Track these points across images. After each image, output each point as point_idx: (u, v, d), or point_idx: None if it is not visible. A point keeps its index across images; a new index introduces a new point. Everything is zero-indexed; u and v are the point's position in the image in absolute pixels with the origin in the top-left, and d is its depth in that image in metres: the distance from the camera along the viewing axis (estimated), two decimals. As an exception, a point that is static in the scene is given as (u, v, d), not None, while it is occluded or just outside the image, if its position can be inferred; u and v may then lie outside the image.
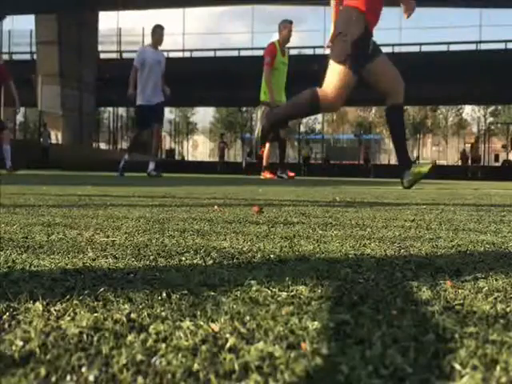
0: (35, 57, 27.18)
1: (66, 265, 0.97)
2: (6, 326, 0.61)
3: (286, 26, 8.36)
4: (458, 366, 0.50)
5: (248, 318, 0.64)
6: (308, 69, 27.05)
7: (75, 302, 0.71)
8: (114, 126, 33.83)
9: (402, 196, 3.80)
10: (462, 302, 0.74)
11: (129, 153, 9.00)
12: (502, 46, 27.12)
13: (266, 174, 10.37)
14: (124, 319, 0.63)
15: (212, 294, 0.76)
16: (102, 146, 34.09)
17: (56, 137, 25.12)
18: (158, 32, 8.61)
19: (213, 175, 15.74)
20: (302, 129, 46.76)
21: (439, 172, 12.47)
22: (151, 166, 8.73)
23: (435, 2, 25.87)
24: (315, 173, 26.48)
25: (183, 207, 2.35)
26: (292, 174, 9.38)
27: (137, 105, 8.73)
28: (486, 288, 0.84)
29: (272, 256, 1.10)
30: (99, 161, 22.78)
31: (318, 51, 29.63)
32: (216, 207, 2.28)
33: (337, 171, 25.01)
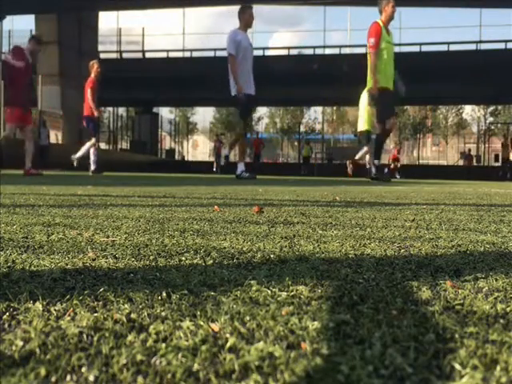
0: (35, 57, 27.19)
1: (66, 265, 0.97)
2: (6, 326, 0.61)
3: (390, 1, 7.68)
4: (457, 366, 0.50)
5: (248, 317, 0.64)
6: (308, 69, 27.09)
7: (75, 301, 0.71)
8: (114, 126, 33.82)
9: (402, 196, 3.80)
10: (462, 301, 0.74)
11: (242, 159, 8.29)
12: (502, 46, 27.13)
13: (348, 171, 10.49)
14: (124, 319, 0.63)
15: (212, 293, 0.76)
16: (102, 146, 34.09)
17: (56, 137, 25.11)
18: (247, 12, 7.94)
19: (213, 175, 15.74)
20: (302, 129, 46.75)
21: (439, 172, 12.48)
22: (240, 167, 8.20)
23: (435, 2, 25.87)
24: (319, 172, 26.49)
25: (183, 207, 2.35)
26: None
27: (233, 95, 7.98)
28: (486, 288, 0.84)
29: (272, 256, 1.10)
30: (99, 161, 22.76)
31: (318, 51, 29.65)
32: (216, 207, 2.28)
33: (344, 171, 24.94)
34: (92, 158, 10.65)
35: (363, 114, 10.99)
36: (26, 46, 8.50)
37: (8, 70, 8.06)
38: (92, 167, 10.65)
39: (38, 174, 8.18)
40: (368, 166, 10.37)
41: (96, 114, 10.64)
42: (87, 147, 10.62)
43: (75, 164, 10.50)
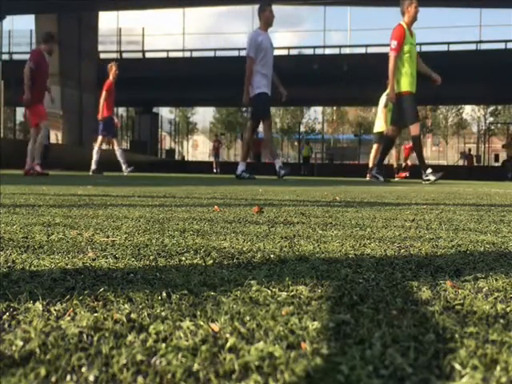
0: (35, 57, 27.20)
1: (66, 265, 0.97)
2: (6, 326, 0.61)
3: (412, 2, 7.50)
4: (458, 366, 0.50)
5: (248, 317, 0.64)
6: (308, 69, 27.08)
7: (75, 301, 0.71)
8: (113, 126, 33.81)
9: (402, 196, 3.80)
10: (462, 301, 0.74)
11: (242, 160, 8.14)
12: (502, 46, 27.13)
13: (401, 175, 10.50)
14: (124, 319, 0.63)
15: (212, 293, 0.76)
16: (102, 146, 34.10)
17: (56, 137, 25.10)
18: (267, 10, 7.76)
19: (213, 175, 15.74)
20: (302, 129, 46.76)
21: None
22: (279, 163, 8.07)
23: (435, 2, 25.86)
24: (319, 173, 26.47)
25: (183, 207, 2.35)
26: (403, 174, 9.02)
27: (255, 94, 7.82)
28: (486, 288, 0.84)
29: (272, 256, 1.10)
30: (99, 161, 22.76)
31: (318, 51, 29.64)
32: (216, 207, 2.28)
33: (344, 171, 24.96)
34: (94, 157, 10.68)
35: (381, 116, 11.06)
36: (41, 46, 8.51)
37: (31, 72, 8.19)
38: (93, 167, 10.69)
39: (43, 173, 8.26)
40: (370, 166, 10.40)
41: (100, 117, 10.67)
42: (120, 152, 10.68)
43: (127, 173, 10.58)
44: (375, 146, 10.73)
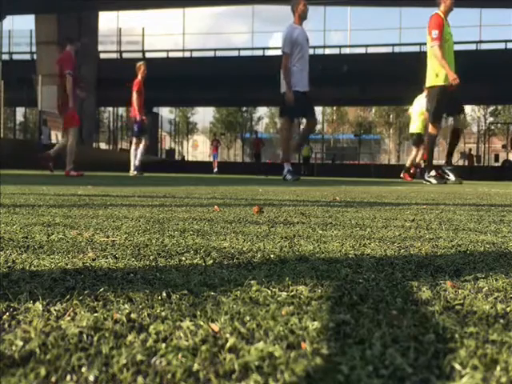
0: (35, 57, 27.21)
1: (66, 265, 0.97)
2: (6, 325, 0.61)
3: None
4: (457, 366, 0.50)
5: (248, 317, 0.64)
6: (308, 69, 27.05)
7: (75, 302, 0.71)
8: (114, 126, 33.85)
9: (402, 196, 3.80)
10: (462, 301, 0.74)
11: (285, 159, 7.84)
12: (502, 46, 27.12)
13: (407, 176, 10.52)
14: (124, 319, 0.63)
15: (212, 293, 0.76)
16: (102, 145, 34.11)
17: (56, 137, 25.10)
18: (300, 2, 7.50)
19: (213, 175, 15.74)
20: (302, 129, 46.67)
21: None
22: (288, 167, 7.74)
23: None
24: (319, 173, 26.44)
25: (183, 207, 2.35)
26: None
27: (282, 92, 7.55)
28: (486, 288, 0.84)
29: (272, 256, 1.10)
30: (99, 161, 22.79)
31: (318, 51, 29.62)
32: (216, 207, 2.28)
33: (345, 171, 24.91)
34: (137, 157, 10.71)
35: (416, 119, 11.12)
36: (69, 48, 8.57)
37: (72, 77, 8.38)
38: (133, 168, 10.72)
39: (79, 175, 8.33)
40: (419, 168, 10.37)
41: (139, 116, 10.63)
42: (141, 151, 10.67)
43: (138, 175, 10.56)
44: (414, 149, 10.81)
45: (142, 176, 9.87)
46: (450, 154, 7.89)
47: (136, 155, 10.71)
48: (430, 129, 7.57)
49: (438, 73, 7.31)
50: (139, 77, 10.60)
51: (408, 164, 11.48)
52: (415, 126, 11.19)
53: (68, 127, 8.54)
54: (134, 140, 10.84)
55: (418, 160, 11.30)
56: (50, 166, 8.57)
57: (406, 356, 0.52)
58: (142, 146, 10.71)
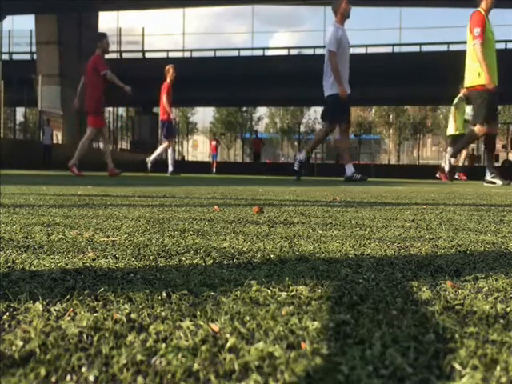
0: (35, 57, 27.23)
1: (66, 265, 0.97)
2: (6, 325, 0.61)
3: None
4: (458, 366, 0.50)
5: (248, 317, 0.64)
6: (308, 69, 27.07)
7: (75, 302, 0.71)
8: (114, 126, 33.83)
9: (402, 196, 3.80)
10: (462, 301, 0.74)
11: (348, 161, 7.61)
12: (502, 46, 27.13)
13: (462, 176, 10.43)
14: (124, 319, 0.63)
15: (212, 293, 0.76)
16: (102, 145, 34.13)
17: (56, 137, 25.11)
18: (343, 1, 7.27)
19: (213, 175, 15.73)
20: (302, 129, 46.79)
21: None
22: (349, 169, 7.57)
23: (435, 1, 25.87)
24: (319, 173, 26.41)
25: (183, 207, 2.35)
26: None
27: (329, 95, 7.35)
28: (486, 288, 0.84)
29: (272, 256, 1.10)
30: (99, 161, 22.77)
31: (318, 51, 29.63)
32: (216, 207, 2.28)
33: (344, 171, 24.82)
34: (169, 160, 10.92)
35: (453, 119, 11.16)
36: (97, 51, 8.74)
37: (100, 79, 8.60)
38: (170, 169, 10.92)
39: (118, 173, 8.81)
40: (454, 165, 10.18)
41: (169, 118, 10.82)
42: (161, 150, 10.89)
43: (149, 166, 10.72)
44: (449, 149, 10.82)
45: (177, 176, 10.08)
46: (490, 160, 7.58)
47: (173, 156, 10.91)
48: (478, 130, 7.17)
49: (480, 72, 7.03)
50: (168, 80, 10.78)
51: (461, 163, 11.47)
52: (451, 127, 11.21)
53: (90, 126, 8.85)
54: (166, 141, 10.96)
55: (461, 161, 11.34)
56: (119, 172, 8.98)
57: (405, 356, 0.52)
58: (164, 146, 10.83)
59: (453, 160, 8.33)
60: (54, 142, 23.30)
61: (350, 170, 7.58)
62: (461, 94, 10.61)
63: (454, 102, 11.03)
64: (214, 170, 26.86)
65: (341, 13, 7.33)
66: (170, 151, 11.04)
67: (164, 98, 10.74)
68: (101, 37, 8.90)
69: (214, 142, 28.94)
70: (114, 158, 10.63)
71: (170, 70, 10.84)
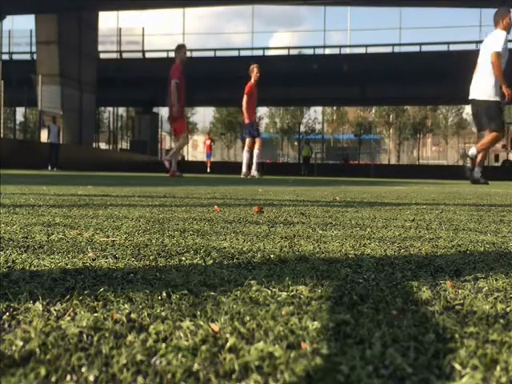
0: (35, 57, 27.24)
1: (66, 265, 0.97)
2: (6, 325, 0.61)
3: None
4: (458, 366, 0.50)
5: (248, 317, 0.64)
6: (308, 69, 27.09)
7: (75, 302, 0.71)
8: (113, 126, 33.83)
9: (402, 196, 3.80)
10: (462, 301, 0.74)
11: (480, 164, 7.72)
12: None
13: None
14: (124, 319, 0.63)
15: (212, 293, 0.76)
16: (102, 145, 34.12)
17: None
18: (507, 15, 7.32)
19: (212, 175, 15.72)
20: (302, 129, 46.77)
21: (439, 172, 12.49)
22: (477, 171, 7.71)
23: (435, 1, 25.86)
24: (319, 173, 26.40)
25: (183, 207, 2.35)
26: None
27: (495, 100, 7.44)
28: (486, 288, 0.84)
29: (272, 256, 1.10)
30: (99, 161, 22.81)
31: (318, 51, 29.65)
32: (216, 207, 2.28)
33: (345, 171, 24.82)
34: (244, 160, 10.76)
35: None
36: (177, 61, 9.01)
37: (177, 88, 8.90)
38: (244, 169, 10.78)
39: (179, 175, 9.12)
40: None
41: (250, 119, 10.52)
42: (257, 154, 10.58)
43: (257, 175, 10.57)
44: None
45: (261, 178, 9.96)
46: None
47: (247, 157, 10.61)
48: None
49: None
50: (252, 80, 10.26)
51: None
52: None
53: (178, 134, 9.15)
54: (247, 142, 10.63)
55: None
56: (179, 174, 9.20)
57: (405, 356, 0.52)
58: (257, 147, 10.47)
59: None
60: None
61: (478, 171, 7.76)
62: None
63: None
64: (209, 170, 26.88)
65: (503, 26, 7.42)
66: (246, 151, 10.63)
67: (244, 101, 10.26)
68: (180, 47, 8.99)
69: (208, 142, 28.94)
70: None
71: (254, 70, 10.20)
